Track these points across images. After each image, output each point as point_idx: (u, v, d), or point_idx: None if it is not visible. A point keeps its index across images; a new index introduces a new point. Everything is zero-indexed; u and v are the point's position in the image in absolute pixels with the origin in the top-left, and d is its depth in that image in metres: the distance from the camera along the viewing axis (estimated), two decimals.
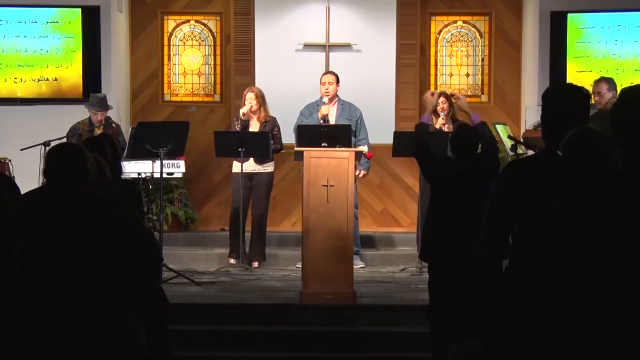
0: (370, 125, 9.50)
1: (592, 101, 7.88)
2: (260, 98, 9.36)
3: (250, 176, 9.30)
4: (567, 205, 2.59)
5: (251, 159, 9.21)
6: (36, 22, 10.23)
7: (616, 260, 2.49)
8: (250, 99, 9.32)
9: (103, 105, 9.28)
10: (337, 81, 9.43)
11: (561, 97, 3.94)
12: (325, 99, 9.29)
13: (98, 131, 8.92)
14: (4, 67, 10.25)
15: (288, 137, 9.31)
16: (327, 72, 9.70)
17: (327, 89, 9.34)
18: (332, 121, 9.24)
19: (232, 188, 9.46)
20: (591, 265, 2.51)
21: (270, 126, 9.31)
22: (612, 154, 3.39)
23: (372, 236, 10.31)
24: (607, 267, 2.49)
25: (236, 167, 9.30)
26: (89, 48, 10.25)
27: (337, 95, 9.44)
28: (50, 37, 10.25)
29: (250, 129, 9.28)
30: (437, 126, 9.27)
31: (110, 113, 9.40)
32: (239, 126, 9.29)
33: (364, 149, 9.01)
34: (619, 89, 8.97)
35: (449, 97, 9.40)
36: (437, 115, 9.31)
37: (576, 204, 2.57)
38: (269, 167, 9.38)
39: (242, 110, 9.29)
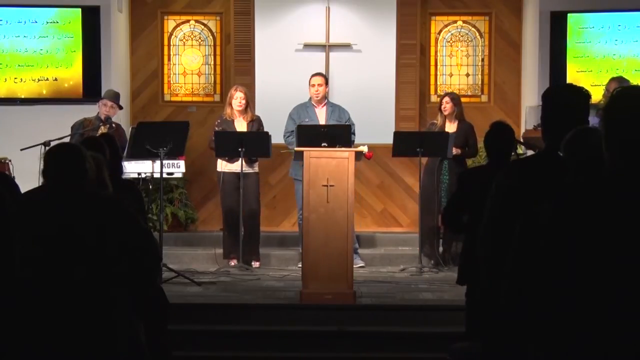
0: (370, 125, 9.49)
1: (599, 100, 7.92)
2: (248, 97, 9.39)
3: (239, 177, 9.27)
4: (567, 205, 2.58)
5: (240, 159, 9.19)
6: (36, 22, 10.23)
7: (617, 260, 2.49)
8: (240, 98, 9.32)
9: (117, 98, 9.26)
10: (326, 82, 9.44)
11: (561, 97, 3.94)
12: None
13: (103, 129, 8.91)
14: (4, 67, 10.24)
15: (281, 138, 9.35)
16: (316, 73, 9.61)
17: (317, 91, 9.34)
18: (322, 122, 9.23)
19: (221, 188, 9.40)
20: (593, 266, 2.50)
21: (257, 125, 9.33)
22: None
23: (372, 236, 10.31)
24: (609, 267, 2.49)
25: (220, 166, 9.29)
26: (89, 48, 10.25)
27: (325, 97, 9.44)
28: (50, 37, 10.24)
29: (238, 129, 9.27)
30: (439, 125, 9.28)
31: None
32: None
33: (364, 149, 9.01)
34: None
35: (453, 98, 9.40)
36: (442, 115, 9.32)
37: (576, 203, 2.57)
38: (256, 167, 9.38)
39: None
